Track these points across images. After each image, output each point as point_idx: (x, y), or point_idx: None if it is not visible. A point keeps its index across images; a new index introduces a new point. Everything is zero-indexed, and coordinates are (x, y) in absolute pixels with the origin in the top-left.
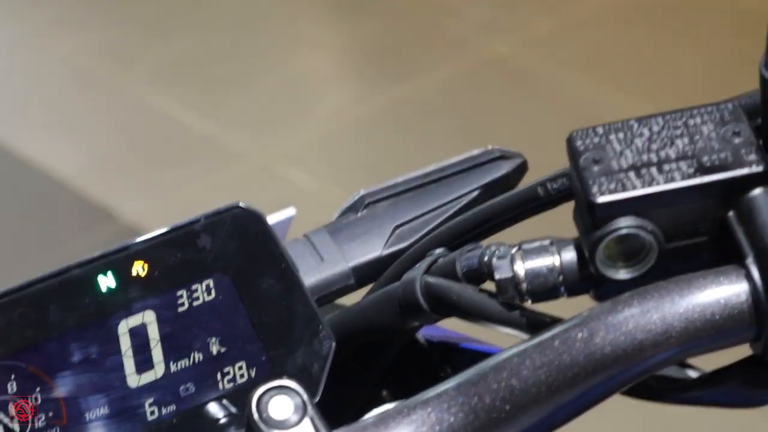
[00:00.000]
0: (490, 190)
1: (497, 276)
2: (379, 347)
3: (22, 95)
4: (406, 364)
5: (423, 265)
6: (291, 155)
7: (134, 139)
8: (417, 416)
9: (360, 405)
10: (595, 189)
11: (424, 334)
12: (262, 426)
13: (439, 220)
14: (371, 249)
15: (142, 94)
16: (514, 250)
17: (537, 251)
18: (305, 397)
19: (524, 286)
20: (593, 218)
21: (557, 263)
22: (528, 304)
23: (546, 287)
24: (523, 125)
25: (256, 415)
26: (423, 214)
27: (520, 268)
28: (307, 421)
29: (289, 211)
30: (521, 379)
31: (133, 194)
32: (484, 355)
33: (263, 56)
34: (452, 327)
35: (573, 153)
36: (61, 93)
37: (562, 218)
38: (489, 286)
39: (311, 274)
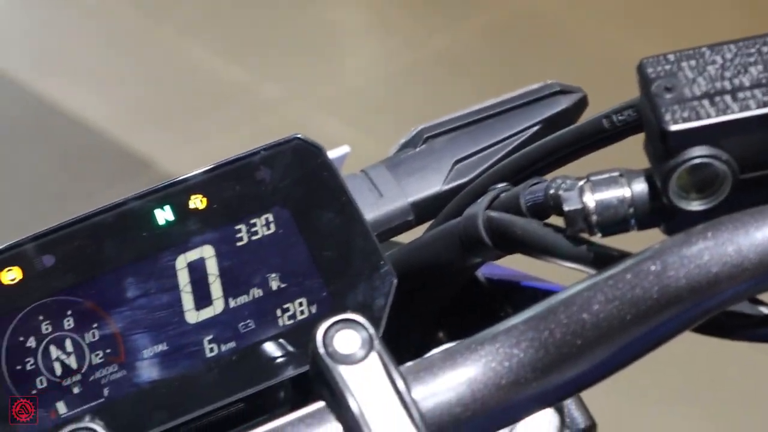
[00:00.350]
0: (550, 125)
1: (566, 208)
2: (438, 285)
3: (55, 47)
4: (464, 304)
5: (485, 200)
6: (324, 106)
7: (167, 89)
8: (485, 351)
9: (415, 346)
10: (668, 117)
11: (483, 272)
12: (327, 360)
13: (499, 156)
14: (431, 184)
15: (174, 44)
16: (582, 182)
17: (606, 183)
18: (372, 331)
19: (594, 218)
20: (666, 147)
21: (627, 195)
22: (596, 237)
23: (616, 219)
24: (556, 79)
25: (321, 349)
26: (483, 149)
27: (590, 199)
28: (374, 355)
29: (343, 149)
30: (592, 314)
31: (166, 144)
32: (545, 293)
33: (297, 6)
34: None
35: (644, 80)
36: (93, 43)
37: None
38: (554, 221)
39: (369, 210)
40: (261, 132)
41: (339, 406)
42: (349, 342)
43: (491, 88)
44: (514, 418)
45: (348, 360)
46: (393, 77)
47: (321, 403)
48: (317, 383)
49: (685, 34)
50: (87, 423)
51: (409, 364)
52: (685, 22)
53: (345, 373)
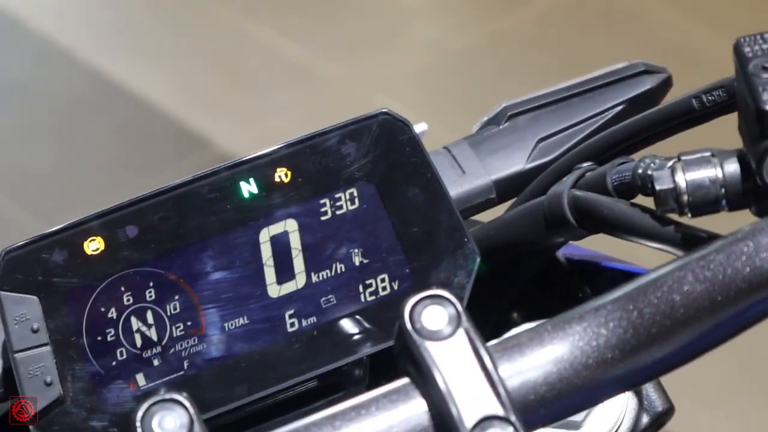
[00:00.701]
0: (634, 105)
1: (658, 187)
2: (518, 264)
3: (118, 24)
4: (541, 284)
5: (570, 178)
6: (387, 86)
7: (229, 67)
8: (573, 331)
9: (489, 327)
10: (765, 96)
11: (563, 252)
12: (414, 336)
13: (583, 135)
14: (513, 162)
15: (238, 23)
16: (673, 162)
17: (698, 163)
18: (460, 307)
19: (685, 198)
20: (762, 127)
21: (720, 175)
22: (686, 218)
23: (707, 200)
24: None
25: (408, 325)
26: (567, 128)
27: (681, 179)
28: (461, 332)
29: (421, 126)
30: (683, 294)
31: (227, 122)
32: (626, 274)
33: None
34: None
35: (741, 59)
36: (156, 20)
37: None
38: (640, 201)
39: (451, 187)
40: (321, 111)
41: (425, 383)
42: (437, 318)
43: (557, 68)
44: (599, 398)
45: (435, 336)
46: (457, 58)
47: (405, 380)
48: (402, 359)
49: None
50: (173, 394)
51: (495, 341)
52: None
53: (432, 349)
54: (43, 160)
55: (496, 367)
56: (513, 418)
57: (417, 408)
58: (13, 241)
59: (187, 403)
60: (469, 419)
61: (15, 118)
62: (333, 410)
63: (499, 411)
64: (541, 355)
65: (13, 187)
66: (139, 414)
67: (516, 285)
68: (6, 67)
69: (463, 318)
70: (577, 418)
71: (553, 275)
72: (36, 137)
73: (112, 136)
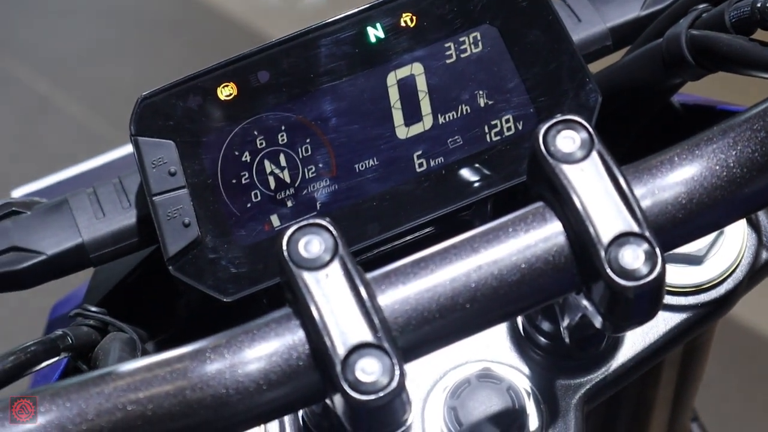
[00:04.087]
0: None
1: None
2: (636, 108)
3: None
4: (658, 132)
5: (687, 19)
6: None
7: None
8: (702, 152)
9: None
10: None
11: (678, 99)
12: (549, 159)
13: None
14: (629, 10)
15: None
16: None
17: None
18: (592, 131)
19: None
20: None
21: None
22: None
23: None
24: None
25: (543, 149)
26: None
27: None
28: (594, 155)
29: None
30: None
31: None
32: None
33: None
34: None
35: None
36: None
37: None
38: (760, 36)
39: None
40: None
41: (560, 204)
42: (570, 142)
43: None
44: (729, 218)
45: (569, 159)
46: None
47: (540, 203)
48: (535, 184)
49: None
50: (317, 219)
51: (627, 165)
52: None
53: (567, 171)
54: (126, 74)
55: (630, 187)
56: (648, 233)
57: (553, 228)
58: (97, 153)
59: (332, 227)
60: (605, 236)
61: (102, 33)
62: (472, 233)
63: (635, 227)
64: (673, 176)
65: (97, 101)
66: (285, 239)
67: (634, 129)
68: None
69: (596, 141)
70: (700, 254)
71: (669, 121)
72: (121, 53)
73: (188, 49)
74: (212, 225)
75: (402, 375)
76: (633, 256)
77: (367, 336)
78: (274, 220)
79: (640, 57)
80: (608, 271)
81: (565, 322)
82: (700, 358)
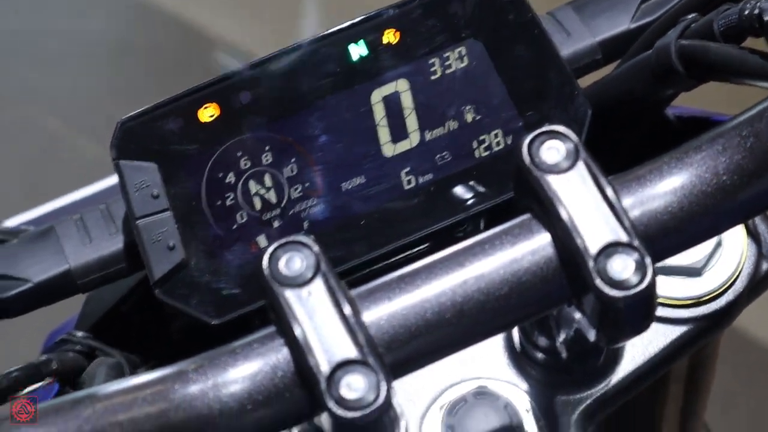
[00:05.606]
0: None
1: (767, 18)
2: (628, 122)
3: None
4: (652, 146)
5: (676, 30)
6: None
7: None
8: (691, 160)
9: None
10: None
11: (672, 112)
12: (534, 171)
13: None
14: (618, 23)
15: None
16: None
17: None
18: (577, 140)
19: None
20: None
21: None
22: None
23: None
24: None
25: (527, 160)
26: None
27: None
28: (580, 164)
29: None
30: None
31: None
32: None
33: None
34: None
35: None
36: None
37: None
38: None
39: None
40: None
41: (547, 215)
42: (555, 152)
43: None
44: (719, 227)
45: (554, 169)
46: None
47: (527, 215)
48: (522, 197)
49: None
50: (298, 237)
51: (614, 175)
52: None
53: (552, 181)
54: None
55: (618, 196)
56: (637, 243)
57: (541, 240)
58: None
59: (312, 244)
60: (593, 246)
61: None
62: (458, 247)
63: (623, 237)
64: (661, 185)
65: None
66: (266, 257)
67: (627, 143)
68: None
69: (581, 150)
70: (698, 266)
71: (664, 134)
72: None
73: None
74: (198, 247)
75: (389, 390)
76: (622, 266)
77: (352, 352)
78: (261, 240)
79: (630, 69)
80: (597, 281)
81: (561, 336)
82: (707, 372)
